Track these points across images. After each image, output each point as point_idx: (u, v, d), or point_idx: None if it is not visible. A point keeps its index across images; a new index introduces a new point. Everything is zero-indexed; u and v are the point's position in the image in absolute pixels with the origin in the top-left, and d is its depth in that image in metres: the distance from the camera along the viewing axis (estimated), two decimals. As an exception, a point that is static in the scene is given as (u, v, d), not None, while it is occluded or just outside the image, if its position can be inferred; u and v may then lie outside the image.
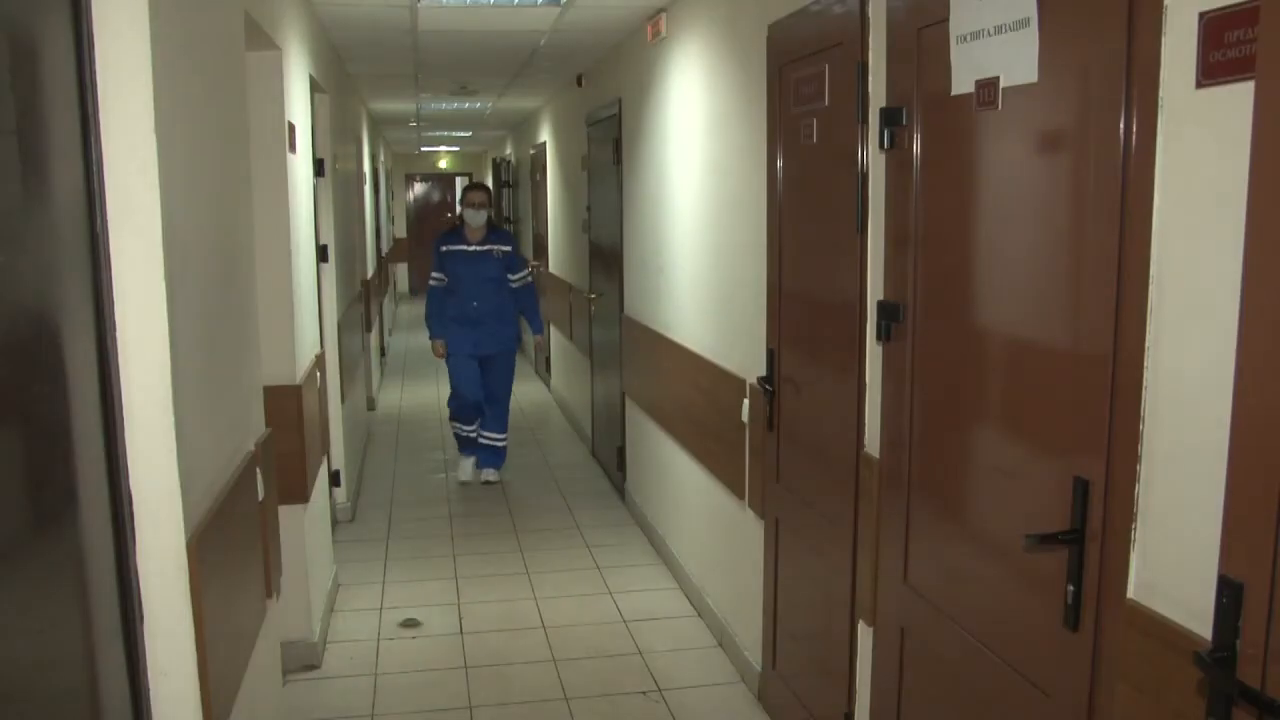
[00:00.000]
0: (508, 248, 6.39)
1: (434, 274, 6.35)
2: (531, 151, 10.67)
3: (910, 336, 2.43)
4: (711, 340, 4.21)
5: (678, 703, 3.71)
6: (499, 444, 6.61)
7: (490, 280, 6.27)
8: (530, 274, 6.55)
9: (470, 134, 14.21)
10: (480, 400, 6.41)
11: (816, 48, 2.94)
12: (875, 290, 2.61)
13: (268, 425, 2.98)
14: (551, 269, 9.27)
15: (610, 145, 6.20)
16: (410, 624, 4.41)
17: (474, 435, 6.55)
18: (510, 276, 6.36)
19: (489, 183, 17.67)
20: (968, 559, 2.23)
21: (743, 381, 3.71)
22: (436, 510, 6.11)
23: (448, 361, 6.42)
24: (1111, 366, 1.71)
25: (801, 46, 3.07)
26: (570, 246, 8.29)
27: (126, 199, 1.81)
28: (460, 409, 6.50)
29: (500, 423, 6.57)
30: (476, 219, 6.24)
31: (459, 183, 20.03)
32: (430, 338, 6.47)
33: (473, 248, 6.26)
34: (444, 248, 6.29)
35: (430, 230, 20.68)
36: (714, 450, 4.14)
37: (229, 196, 2.58)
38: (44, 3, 1.64)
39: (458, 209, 6.40)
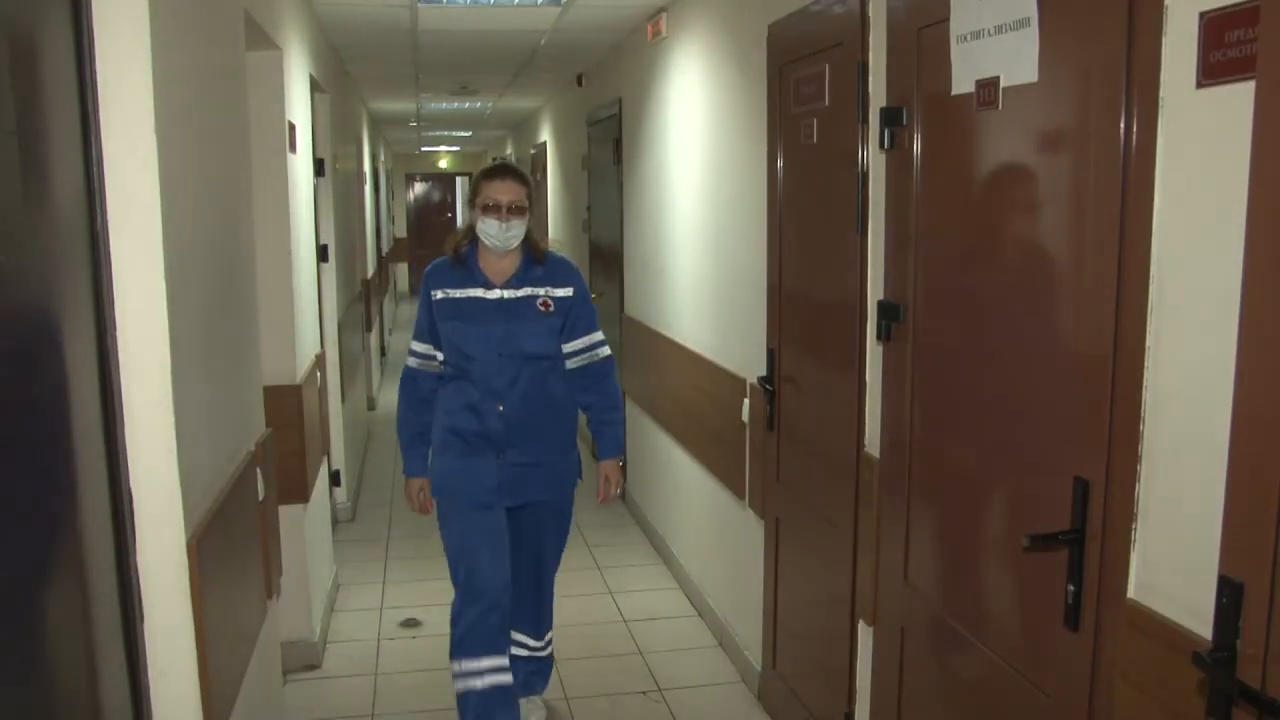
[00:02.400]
0: (568, 290, 3.16)
1: (416, 344, 3.21)
2: (532, 151, 10.68)
3: (910, 336, 2.43)
4: (712, 340, 4.21)
5: (678, 703, 3.71)
6: (541, 653, 3.50)
7: (534, 359, 3.10)
8: (604, 342, 3.27)
9: (470, 134, 14.23)
10: (508, 595, 3.21)
11: (816, 48, 2.94)
12: (875, 290, 2.61)
13: (268, 425, 2.98)
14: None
15: (610, 145, 6.20)
16: (410, 624, 4.41)
17: (504, 682, 3.19)
18: (566, 347, 3.18)
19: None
20: (968, 559, 2.23)
21: (743, 381, 3.71)
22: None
23: (441, 522, 3.23)
24: (1111, 366, 1.71)
25: (801, 46, 3.07)
26: (570, 246, 8.29)
27: (126, 199, 1.81)
28: (477, 622, 3.14)
29: (539, 618, 3.46)
30: (504, 237, 3.06)
31: (460, 184, 19.92)
32: (405, 471, 3.30)
33: (497, 293, 3.10)
34: (439, 293, 3.14)
35: (431, 231, 20.55)
36: (714, 450, 4.14)
37: (229, 196, 2.58)
38: (44, 3, 1.63)
39: (464, 216, 3.33)
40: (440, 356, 3.16)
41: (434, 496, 3.24)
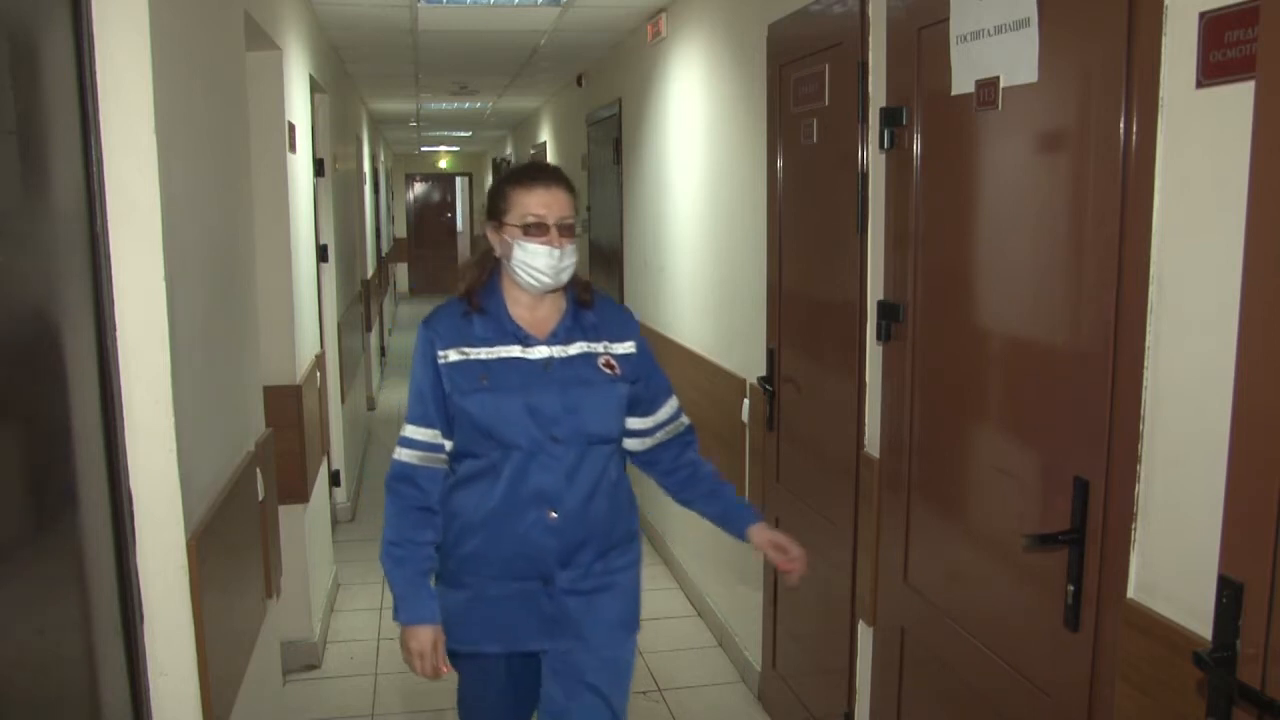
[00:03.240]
0: (629, 344, 2.23)
1: (413, 429, 2.16)
2: (532, 151, 10.68)
3: (910, 336, 2.43)
4: (711, 340, 4.21)
5: (677, 703, 3.71)
6: None
7: (597, 444, 2.16)
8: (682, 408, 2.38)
9: (470, 134, 14.22)
10: None
11: (816, 47, 2.94)
12: (875, 290, 2.61)
13: (268, 425, 2.98)
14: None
15: (610, 145, 6.20)
16: (410, 624, 4.41)
17: None
18: (640, 424, 2.28)
19: (490, 183, 16.99)
20: (968, 559, 2.23)
21: (743, 381, 3.71)
22: (436, 510, 6.09)
23: (461, 689, 2.35)
24: (1111, 366, 1.71)
25: (801, 46, 3.07)
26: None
27: (126, 199, 1.81)
28: None
29: None
30: (557, 269, 2.10)
31: (460, 184, 19.87)
32: (397, 617, 2.12)
33: (543, 351, 2.15)
34: (452, 353, 2.12)
35: (430, 230, 20.47)
36: (714, 450, 4.14)
37: (229, 196, 2.58)
38: (44, 3, 1.64)
39: (493, 236, 2.17)
40: (449, 446, 2.15)
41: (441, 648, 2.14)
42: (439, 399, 2.13)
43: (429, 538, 2.14)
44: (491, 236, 2.16)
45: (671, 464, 2.33)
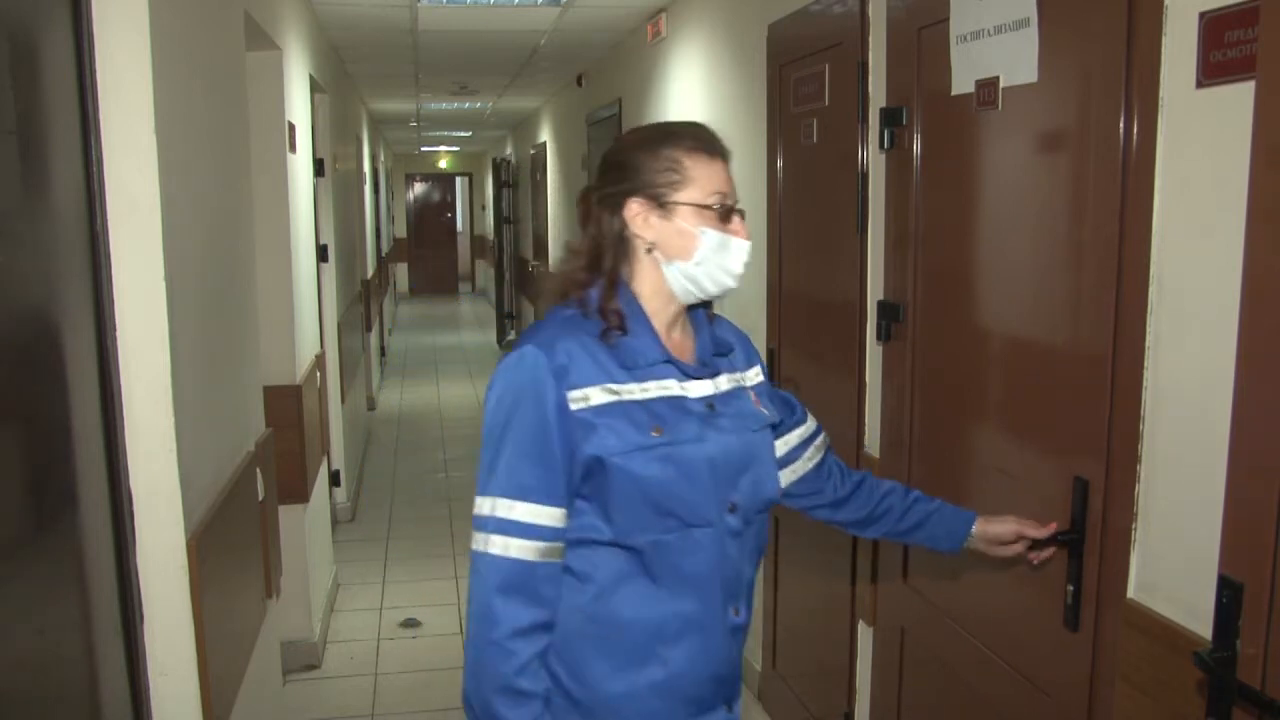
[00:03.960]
0: (757, 371, 1.67)
1: (521, 505, 1.39)
2: (531, 151, 10.68)
3: (910, 336, 2.43)
4: (711, 340, 4.20)
5: (678, 703, 3.70)
6: None
7: (760, 511, 1.56)
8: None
9: (470, 134, 14.23)
10: None
11: (816, 47, 2.94)
12: (875, 290, 2.61)
13: (268, 425, 2.98)
14: (552, 269, 9.27)
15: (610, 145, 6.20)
16: (410, 624, 4.41)
17: None
18: (786, 448, 1.71)
19: (490, 183, 16.23)
20: (968, 559, 2.22)
21: (743, 381, 3.70)
22: (436, 510, 6.10)
23: None
24: (1111, 366, 1.71)
25: (801, 46, 3.07)
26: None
27: (126, 199, 1.81)
28: None
29: None
30: (744, 269, 1.58)
31: (459, 183, 19.87)
32: None
33: (701, 386, 1.53)
34: (595, 394, 1.42)
35: (430, 230, 20.49)
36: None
37: (229, 196, 2.58)
38: (44, 3, 1.64)
39: (646, 222, 1.49)
40: (578, 535, 1.45)
41: None
42: (567, 462, 1.42)
43: (538, 664, 1.43)
44: (644, 222, 1.50)
45: (841, 490, 1.77)
